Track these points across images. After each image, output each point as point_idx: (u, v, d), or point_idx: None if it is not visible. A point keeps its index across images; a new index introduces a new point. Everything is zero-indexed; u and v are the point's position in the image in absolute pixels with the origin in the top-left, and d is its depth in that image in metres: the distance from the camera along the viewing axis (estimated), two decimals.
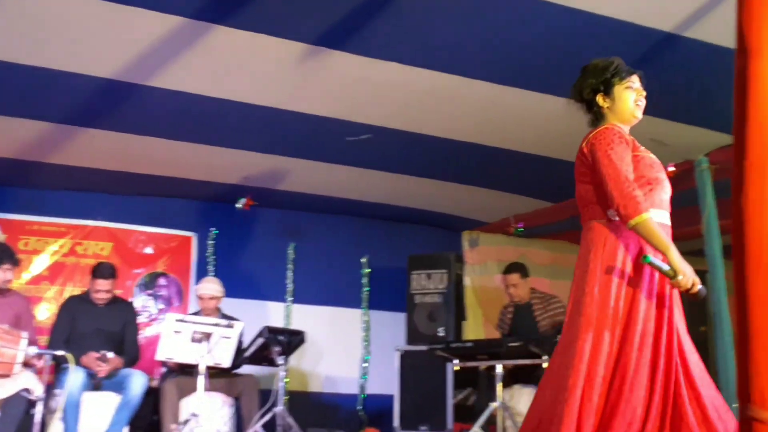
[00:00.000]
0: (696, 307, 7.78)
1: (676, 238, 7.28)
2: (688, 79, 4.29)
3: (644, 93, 2.92)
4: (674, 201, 6.22)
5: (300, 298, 7.12)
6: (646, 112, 4.78)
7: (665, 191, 2.82)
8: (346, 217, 7.40)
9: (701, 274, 7.89)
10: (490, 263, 7.53)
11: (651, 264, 2.61)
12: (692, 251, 7.92)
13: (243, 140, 5.48)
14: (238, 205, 6.37)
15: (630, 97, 2.87)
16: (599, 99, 2.89)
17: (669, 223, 2.83)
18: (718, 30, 3.67)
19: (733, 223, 1.90)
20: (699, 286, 2.62)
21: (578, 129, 5.00)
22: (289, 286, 7.11)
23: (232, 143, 5.51)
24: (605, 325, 2.63)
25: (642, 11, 3.66)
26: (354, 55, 4.14)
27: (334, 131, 5.19)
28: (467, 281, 7.48)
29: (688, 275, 2.58)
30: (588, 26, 3.73)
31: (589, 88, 2.91)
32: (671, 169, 5.34)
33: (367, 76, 4.39)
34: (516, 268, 5.60)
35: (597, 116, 2.91)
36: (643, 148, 2.88)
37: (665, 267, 2.61)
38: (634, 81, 2.91)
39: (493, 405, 4.77)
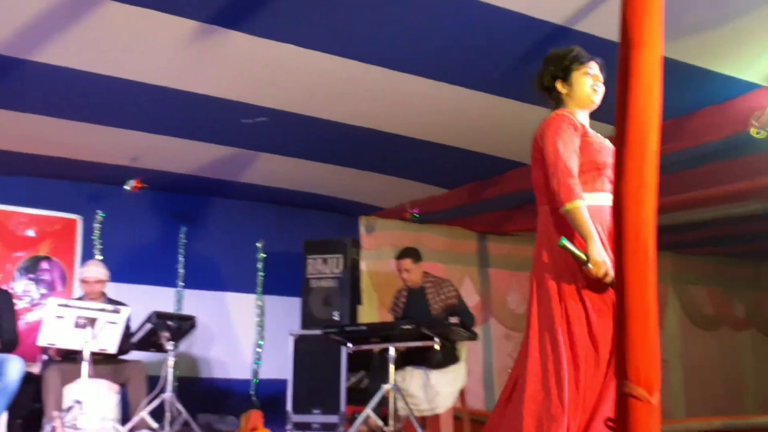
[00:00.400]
0: None
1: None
2: None
3: (601, 78, 3.01)
4: None
5: (192, 283, 6.98)
6: (534, 102, 4.93)
7: (605, 174, 2.89)
8: (240, 201, 7.30)
9: None
10: (386, 248, 7.60)
11: (564, 248, 2.69)
12: None
13: (133, 120, 5.29)
14: (127, 187, 6.15)
15: (587, 83, 2.96)
16: (558, 85, 3.00)
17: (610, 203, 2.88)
18: (607, 23, 3.80)
19: (614, 209, 1.98)
20: (612, 276, 2.66)
21: (471, 116, 5.13)
22: (181, 271, 6.96)
23: (121, 123, 5.32)
24: (545, 324, 2.75)
25: (533, 3, 3.74)
26: (250, 36, 4.05)
27: (229, 113, 5.08)
28: (363, 266, 7.53)
29: (600, 265, 2.65)
30: (480, 15, 3.78)
31: (549, 75, 3.02)
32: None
33: (264, 58, 4.32)
34: (408, 253, 5.67)
35: (557, 102, 3.01)
36: (592, 132, 2.97)
37: (578, 252, 2.68)
38: (592, 67, 3.00)
39: (386, 387, 4.81)
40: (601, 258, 2.65)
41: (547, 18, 3.86)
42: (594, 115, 5.03)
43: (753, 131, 4.68)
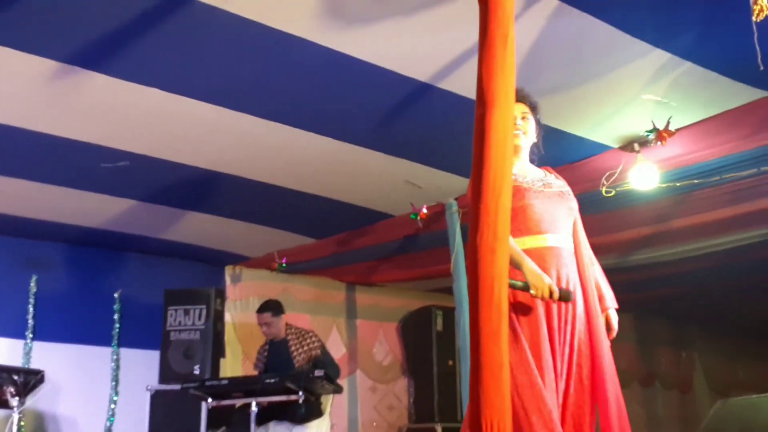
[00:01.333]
0: (444, 342, 8.27)
1: (430, 276, 7.60)
2: (440, 127, 4.57)
3: (521, 122, 3.06)
4: (427, 241, 6.57)
5: (42, 335, 6.54)
6: (403, 155, 5.04)
7: (529, 217, 2.91)
8: (97, 248, 6.97)
9: (450, 310, 8.37)
10: (252, 299, 7.46)
11: (512, 286, 2.64)
12: (442, 288, 8.47)
13: None
14: None
15: None
16: None
17: (547, 244, 2.89)
18: (467, 83, 3.96)
19: (468, 261, 2.03)
20: (557, 290, 2.68)
21: (340, 167, 5.17)
22: (30, 322, 6.52)
23: None
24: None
25: (401, 60, 3.84)
26: (112, 78, 3.93)
27: (88, 156, 4.87)
28: (228, 317, 7.34)
29: (539, 286, 2.66)
30: (350, 69, 3.85)
31: None
32: (424, 210, 5.65)
33: (128, 101, 4.19)
34: (268, 306, 5.60)
35: None
36: (521, 177, 3.01)
37: (519, 284, 2.68)
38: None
39: None
40: (538, 276, 2.67)
41: (412, 75, 3.97)
42: (455, 170, 5.20)
43: (603, 191, 4.98)
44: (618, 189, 4.97)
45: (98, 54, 3.73)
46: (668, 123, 4.40)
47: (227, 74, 3.97)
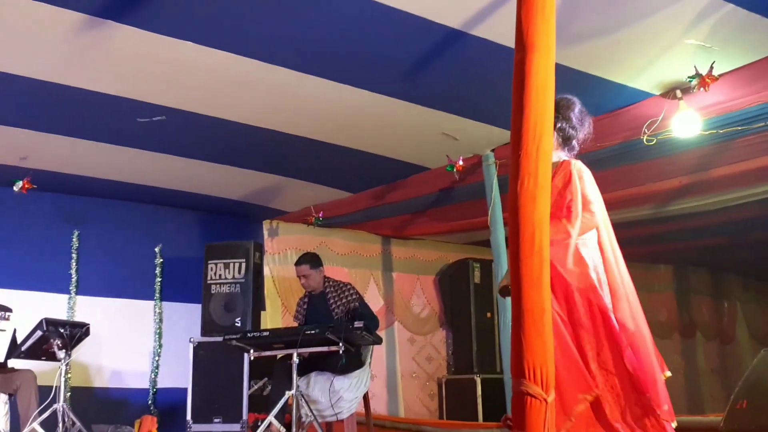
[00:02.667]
0: (482, 295, 8.29)
1: (467, 229, 7.58)
2: (476, 77, 4.50)
3: None
4: (464, 194, 6.55)
5: (85, 289, 6.69)
6: (437, 107, 4.98)
7: None
8: (137, 203, 7.06)
9: (487, 263, 8.38)
10: (290, 252, 7.54)
11: None
12: (478, 241, 8.45)
13: (20, 118, 5.03)
14: (15, 189, 5.83)
15: None
16: None
17: None
18: (502, 29, 3.88)
19: (509, 210, 2.01)
20: None
21: (373, 119, 5.14)
22: (73, 277, 6.67)
23: (7, 120, 5.05)
24: None
25: (431, 7, 3.76)
26: (143, 31, 3.92)
27: (124, 111, 4.90)
28: (267, 271, 7.43)
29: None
30: (381, 17, 3.79)
31: None
32: (460, 162, 5.61)
33: (161, 55, 4.18)
34: (306, 259, 5.62)
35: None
36: None
37: None
38: None
39: (289, 393, 4.74)
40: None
41: (444, 22, 3.89)
42: (491, 121, 5.15)
43: (644, 139, 4.88)
44: (659, 137, 4.88)
45: (129, 6, 3.72)
46: (711, 68, 4.27)
47: (257, 26, 3.93)
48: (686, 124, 4.68)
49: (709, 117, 4.72)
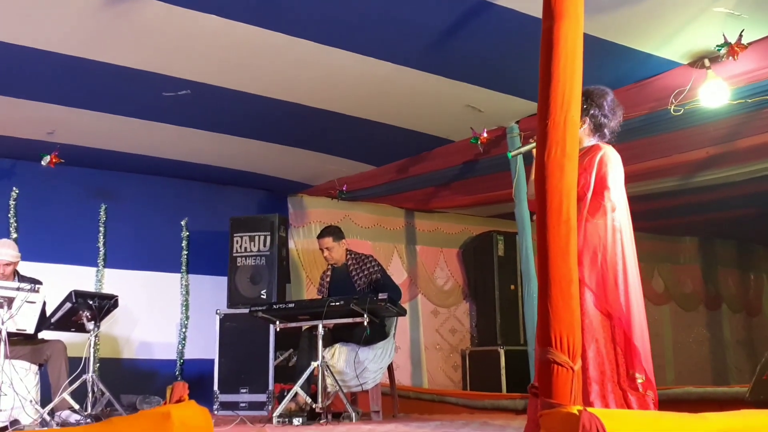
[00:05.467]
0: (506, 267, 8.28)
1: (491, 202, 7.55)
2: (500, 48, 4.45)
3: None
4: (488, 166, 6.50)
5: (113, 262, 6.79)
6: (461, 79, 4.94)
7: None
8: (163, 177, 7.13)
9: (511, 235, 8.33)
10: (314, 225, 7.57)
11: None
12: (502, 214, 8.41)
13: (47, 92, 5.07)
14: (43, 163, 5.91)
15: None
16: None
17: None
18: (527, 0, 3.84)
19: (536, 179, 2.01)
20: None
21: (397, 92, 5.12)
22: (101, 250, 6.76)
23: (34, 95, 5.10)
24: None
25: None
26: (168, 5, 3.92)
27: (149, 85, 4.93)
28: (292, 244, 7.49)
29: None
30: None
31: None
32: (485, 134, 5.58)
33: (186, 29, 4.19)
34: (328, 232, 5.65)
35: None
36: None
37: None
38: None
39: (314, 364, 4.80)
40: None
41: None
42: (516, 93, 5.10)
43: (672, 109, 4.82)
44: (686, 107, 4.81)
45: None
46: (740, 36, 4.19)
47: (290, 1, 3.91)
48: (714, 93, 4.61)
49: (738, 86, 4.64)
